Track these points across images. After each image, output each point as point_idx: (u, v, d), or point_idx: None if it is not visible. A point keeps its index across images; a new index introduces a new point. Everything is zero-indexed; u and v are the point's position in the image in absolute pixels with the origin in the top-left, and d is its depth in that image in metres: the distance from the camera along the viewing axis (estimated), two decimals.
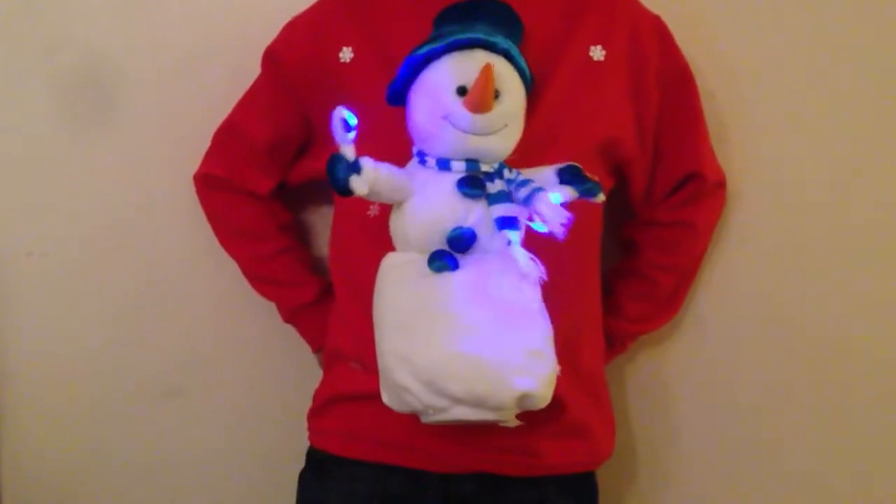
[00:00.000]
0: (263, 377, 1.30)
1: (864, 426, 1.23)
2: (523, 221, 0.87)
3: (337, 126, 0.81)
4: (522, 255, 0.86)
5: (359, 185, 0.82)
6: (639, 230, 1.18)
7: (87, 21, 1.23)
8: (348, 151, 0.82)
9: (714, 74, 1.17)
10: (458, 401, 0.85)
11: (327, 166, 0.83)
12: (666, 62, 1.07)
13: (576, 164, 0.88)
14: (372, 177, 0.84)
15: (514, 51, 0.91)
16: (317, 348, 1.21)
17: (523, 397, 0.85)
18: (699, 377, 1.27)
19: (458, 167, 0.88)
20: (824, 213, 1.21)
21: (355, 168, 0.83)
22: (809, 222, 1.22)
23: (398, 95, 0.93)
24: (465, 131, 0.87)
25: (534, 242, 0.87)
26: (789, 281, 1.23)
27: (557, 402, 0.92)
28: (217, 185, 1.17)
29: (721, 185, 1.17)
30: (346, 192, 0.82)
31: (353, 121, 0.81)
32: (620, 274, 1.20)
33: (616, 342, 1.19)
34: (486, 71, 0.84)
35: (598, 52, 1.02)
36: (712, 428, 1.27)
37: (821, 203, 1.21)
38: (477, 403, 0.85)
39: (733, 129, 1.20)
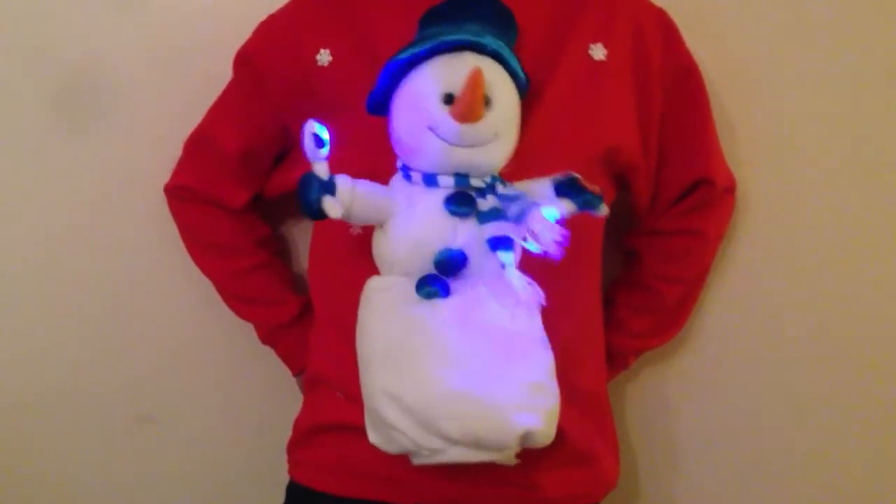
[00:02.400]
0: (241, 403, 1.24)
1: (878, 448, 1.19)
2: (518, 241, 0.80)
3: (308, 141, 0.76)
4: (518, 279, 0.80)
5: (332, 207, 0.77)
6: (643, 240, 1.12)
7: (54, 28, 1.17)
8: (321, 169, 0.77)
9: (723, 72, 1.11)
10: (454, 442, 0.79)
11: (298, 187, 0.78)
12: (671, 60, 1.01)
13: (574, 174, 0.82)
14: (347, 197, 0.79)
15: (506, 52, 0.84)
16: (297, 372, 1.15)
17: (526, 436, 0.80)
18: (706, 396, 1.22)
19: (446, 182, 0.82)
20: (841, 221, 1.16)
21: (329, 188, 0.77)
22: (825, 230, 1.16)
23: (379, 104, 0.86)
24: (452, 143, 0.80)
25: (530, 261, 0.81)
26: (803, 293, 1.18)
27: (558, 428, 0.86)
28: (188, 197, 1.11)
29: (731, 190, 1.12)
30: (319, 214, 0.77)
31: (326, 135, 0.75)
32: (623, 286, 1.14)
33: (618, 358, 1.13)
34: (475, 76, 0.77)
35: (598, 51, 0.96)
36: (720, 450, 1.22)
37: (837, 210, 1.16)
38: (476, 444, 0.80)
39: (743, 131, 1.14)
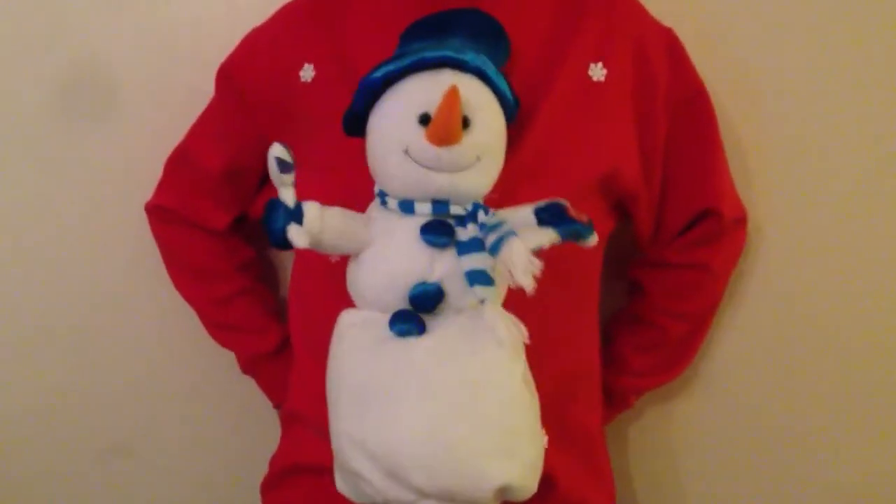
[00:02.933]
0: (219, 436, 1.20)
1: None
2: (493, 274, 0.75)
3: (272, 166, 0.71)
4: (499, 317, 0.74)
5: (298, 236, 0.72)
6: (646, 272, 1.06)
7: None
8: (288, 196, 0.72)
9: (734, 96, 1.06)
10: (424, 494, 0.73)
11: (263, 214, 0.73)
12: (677, 82, 0.95)
13: (559, 201, 0.76)
14: (315, 226, 0.73)
15: (490, 69, 0.78)
16: (278, 404, 1.10)
17: (503, 489, 0.73)
18: (712, 439, 1.16)
19: (423, 210, 0.76)
20: (863, 256, 1.09)
21: (296, 215, 0.72)
22: (842, 265, 1.09)
23: (356, 124, 0.81)
24: (428, 167, 0.74)
25: (517, 294, 0.74)
26: (817, 331, 1.11)
27: (547, 476, 0.81)
28: (168, 218, 1.08)
29: (741, 222, 1.05)
30: (284, 244, 0.72)
31: (291, 158, 0.71)
32: (624, 321, 1.09)
33: (617, 398, 1.08)
34: (451, 95, 0.72)
35: (597, 71, 0.91)
36: (730, 499, 1.16)
37: (859, 244, 1.09)
38: (446, 497, 0.73)
39: (755, 158, 1.08)
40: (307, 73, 0.93)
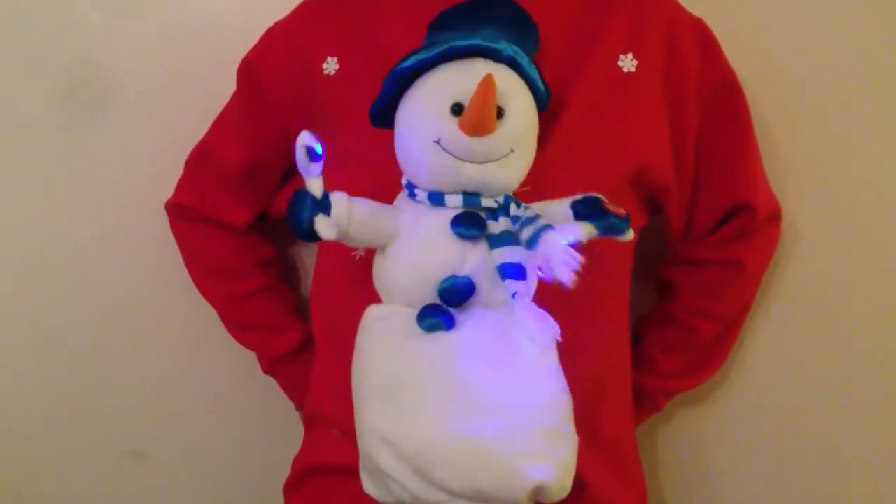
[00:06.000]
0: (240, 438, 1.19)
1: None
2: (530, 269, 0.73)
3: (300, 155, 0.69)
4: (531, 312, 0.72)
5: (325, 227, 0.70)
6: (676, 270, 1.04)
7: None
8: (315, 186, 0.70)
9: (767, 88, 1.03)
10: (456, 494, 0.71)
11: (289, 204, 0.71)
12: (709, 73, 0.93)
13: (596, 194, 0.75)
14: (344, 216, 0.72)
15: (523, 59, 0.76)
16: (300, 405, 1.08)
17: (537, 490, 0.71)
18: (747, 443, 1.13)
19: (454, 202, 0.74)
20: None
21: (323, 206, 0.71)
22: (882, 263, 1.06)
23: (384, 115, 0.79)
24: (460, 158, 0.72)
25: (548, 291, 0.73)
26: (851, 334, 1.08)
27: (578, 479, 0.78)
28: (188, 215, 1.07)
29: (775, 218, 1.03)
30: (310, 235, 0.70)
31: (320, 148, 0.69)
32: (654, 321, 1.07)
33: (647, 400, 1.06)
34: (486, 83, 0.70)
35: (628, 62, 0.89)
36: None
37: (893, 240, 1.06)
38: (480, 498, 0.71)
39: (789, 152, 1.06)
40: (330, 66, 0.91)
